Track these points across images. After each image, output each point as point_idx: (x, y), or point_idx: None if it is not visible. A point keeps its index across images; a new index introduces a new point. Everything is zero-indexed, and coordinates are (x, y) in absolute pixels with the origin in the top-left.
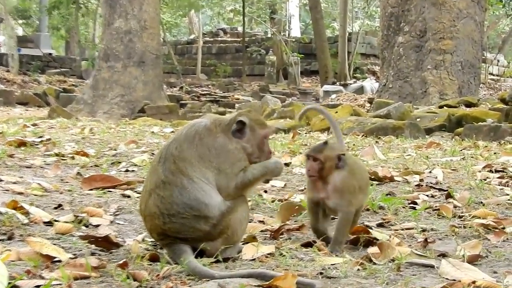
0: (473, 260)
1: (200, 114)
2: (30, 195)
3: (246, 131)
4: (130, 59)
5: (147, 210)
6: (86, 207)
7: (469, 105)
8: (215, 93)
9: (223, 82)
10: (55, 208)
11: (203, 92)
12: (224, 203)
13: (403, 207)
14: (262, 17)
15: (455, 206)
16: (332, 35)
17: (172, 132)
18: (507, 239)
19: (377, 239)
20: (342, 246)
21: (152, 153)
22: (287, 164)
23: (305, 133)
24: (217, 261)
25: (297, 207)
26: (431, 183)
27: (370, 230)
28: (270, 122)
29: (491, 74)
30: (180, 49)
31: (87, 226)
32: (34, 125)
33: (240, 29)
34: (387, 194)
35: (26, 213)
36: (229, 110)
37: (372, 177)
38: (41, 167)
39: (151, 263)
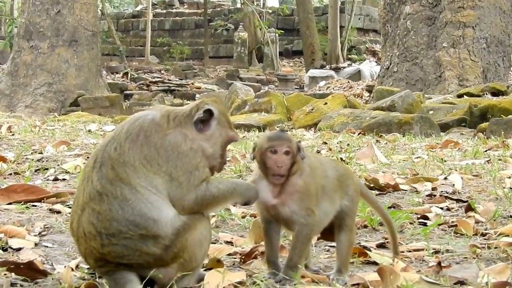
0: None
1: (150, 107)
2: None
3: (212, 124)
4: (59, 37)
5: (81, 230)
6: (3, 226)
7: (496, 93)
8: (169, 80)
9: (180, 67)
10: None
11: (153, 80)
12: (178, 218)
13: (411, 223)
14: None
15: (477, 222)
16: (320, 5)
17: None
18: None
19: (377, 263)
20: (298, 270)
21: (88, 157)
22: None
23: (286, 130)
24: None
25: None
26: (447, 193)
27: (368, 252)
28: (240, 117)
29: None
30: (123, 24)
31: (5, 250)
32: None
33: None
34: (390, 207)
35: None
36: (187, 102)
37: (371, 185)
38: None
39: None
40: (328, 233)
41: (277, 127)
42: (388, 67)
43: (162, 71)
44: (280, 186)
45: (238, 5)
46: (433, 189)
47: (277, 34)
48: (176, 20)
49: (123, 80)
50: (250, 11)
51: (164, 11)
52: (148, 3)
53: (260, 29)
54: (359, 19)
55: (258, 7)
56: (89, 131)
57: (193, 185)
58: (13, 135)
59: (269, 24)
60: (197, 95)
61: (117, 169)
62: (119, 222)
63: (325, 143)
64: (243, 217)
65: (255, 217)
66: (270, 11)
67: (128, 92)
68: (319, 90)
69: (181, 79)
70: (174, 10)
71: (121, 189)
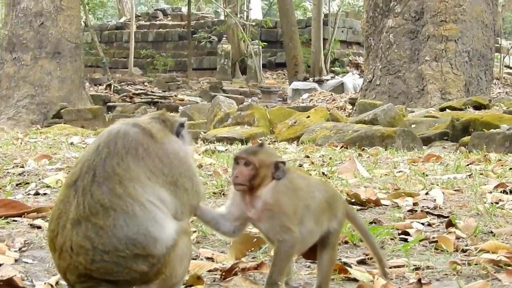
0: None
1: None
2: None
3: (185, 134)
4: (42, 49)
5: (67, 244)
6: None
7: (478, 107)
8: (152, 92)
9: (163, 79)
10: None
11: (137, 92)
12: (172, 236)
13: (392, 239)
14: None
15: (457, 237)
16: (304, 17)
17: None
18: None
19: (357, 280)
20: (278, 287)
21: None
22: None
23: (268, 143)
24: None
25: (255, 239)
26: (428, 208)
27: (349, 269)
28: (223, 129)
29: (508, 66)
30: (107, 36)
31: None
32: None
33: (184, 10)
34: (371, 223)
35: None
36: (172, 114)
37: (352, 200)
38: None
39: None
40: (309, 252)
41: (260, 140)
42: (371, 80)
43: (145, 83)
44: (250, 198)
45: (222, 17)
46: (415, 204)
47: (260, 47)
48: (160, 32)
49: (106, 92)
50: (233, 23)
51: (148, 23)
52: (131, 15)
53: (244, 41)
54: (342, 31)
55: (241, 20)
56: (71, 144)
57: (196, 190)
58: None
59: (252, 36)
60: (180, 107)
61: (126, 185)
62: (119, 239)
63: (308, 156)
64: None
65: None
66: (254, 23)
67: (111, 104)
68: (302, 103)
69: (164, 91)
70: (157, 22)
71: (132, 205)
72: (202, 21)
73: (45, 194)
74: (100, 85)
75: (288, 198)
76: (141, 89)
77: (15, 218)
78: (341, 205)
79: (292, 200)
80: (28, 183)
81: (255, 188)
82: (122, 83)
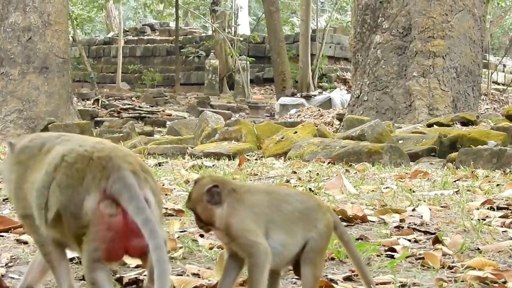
0: None
1: (121, 134)
2: None
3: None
4: (30, 64)
5: None
6: None
7: (466, 123)
8: (140, 107)
9: (151, 94)
10: None
11: (124, 106)
12: None
13: (378, 255)
14: (200, 10)
15: (444, 254)
16: (292, 33)
17: None
18: None
19: None
20: None
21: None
22: None
23: (256, 159)
24: None
25: None
26: (415, 224)
27: (335, 285)
28: (210, 145)
29: (495, 82)
30: (94, 51)
31: None
32: None
33: (172, 25)
34: (357, 239)
35: None
36: (158, 129)
37: (339, 216)
38: None
39: None
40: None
41: (247, 155)
42: (359, 95)
43: (133, 98)
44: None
45: (210, 32)
46: (401, 220)
47: (248, 62)
48: (148, 47)
49: (94, 107)
50: (221, 39)
51: (136, 38)
52: (119, 30)
53: (231, 56)
54: (330, 47)
55: (229, 35)
56: None
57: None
58: None
59: (240, 51)
60: (168, 122)
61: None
62: None
63: (295, 172)
64: (211, 248)
65: (222, 248)
66: (242, 38)
67: (98, 119)
68: (290, 118)
69: (152, 106)
70: (145, 37)
71: None
72: (190, 36)
73: None
74: (87, 100)
75: (241, 217)
76: (128, 104)
77: (2, 234)
78: (323, 216)
79: (248, 217)
80: None
81: (213, 222)
82: (110, 98)
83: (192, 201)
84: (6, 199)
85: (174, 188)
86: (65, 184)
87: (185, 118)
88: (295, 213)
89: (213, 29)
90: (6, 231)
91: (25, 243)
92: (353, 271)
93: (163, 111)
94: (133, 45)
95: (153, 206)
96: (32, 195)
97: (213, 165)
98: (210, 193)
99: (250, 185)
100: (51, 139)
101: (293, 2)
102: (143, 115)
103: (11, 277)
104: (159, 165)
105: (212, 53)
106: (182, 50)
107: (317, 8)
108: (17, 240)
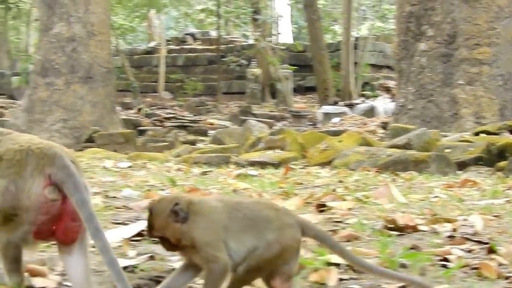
0: None
1: (165, 143)
2: None
3: None
4: (74, 74)
5: None
6: (27, 265)
7: None
8: (182, 116)
9: (193, 103)
10: None
11: (167, 116)
12: None
13: (432, 265)
14: (242, 19)
15: (500, 264)
16: (333, 41)
17: (130, 167)
18: None
19: None
20: None
21: (107, 195)
22: None
23: (301, 168)
24: None
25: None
26: (468, 234)
27: None
28: (255, 154)
29: None
30: (137, 61)
31: None
32: None
33: (213, 34)
34: (410, 248)
35: None
36: (201, 138)
37: (390, 225)
38: None
39: None
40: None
41: (288, 164)
42: (403, 104)
43: (175, 107)
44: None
45: (251, 41)
46: (454, 230)
47: (290, 71)
48: (189, 56)
49: (137, 116)
50: (263, 48)
51: (178, 47)
52: (161, 40)
53: (273, 65)
54: (372, 55)
55: (271, 43)
56: (105, 168)
57: None
58: None
59: (282, 60)
60: (210, 131)
61: None
62: None
63: (341, 181)
64: None
65: None
66: (283, 47)
67: (141, 128)
68: (333, 127)
69: (194, 115)
70: (187, 46)
71: None
72: (232, 45)
73: None
74: (130, 109)
75: (203, 228)
76: (171, 113)
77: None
78: (276, 227)
79: (209, 227)
80: None
81: (180, 243)
82: (152, 107)
83: (158, 228)
84: None
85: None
86: (7, 173)
87: (227, 127)
88: (245, 219)
89: (255, 38)
90: None
91: None
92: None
93: (206, 120)
94: (175, 54)
95: (90, 195)
96: None
97: (259, 174)
98: (175, 213)
99: (202, 197)
100: None
101: (334, 11)
102: (186, 124)
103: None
104: (204, 174)
105: (253, 62)
106: (223, 59)
107: (359, 16)
108: None
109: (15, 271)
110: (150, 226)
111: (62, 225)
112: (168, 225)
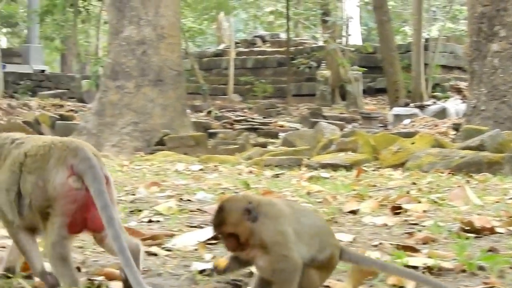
0: None
1: (236, 146)
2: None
3: None
4: (145, 77)
5: None
6: (103, 269)
7: None
8: (252, 119)
9: (263, 105)
10: None
11: (237, 118)
12: None
13: (511, 268)
14: (311, 21)
15: None
16: (404, 42)
17: (201, 170)
18: None
19: None
20: None
21: (181, 199)
22: (354, 212)
23: (373, 170)
24: None
25: None
26: None
27: None
28: (326, 156)
29: None
30: (206, 63)
31: None
32: None
33: (282, 36)
34: (488, 251)
35: (28, 277)
36: (271, 140)
37: (467, 228)
38: None
39: None
40: None
41: (363, 166)
42: (475, 105)
43: (245, 110)
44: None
45: (320, 43)
46: None
47: (360, 72)
48: (259, 58)
49: (207, 119)
50: (332, 49)
51: (247, 49)
52: (231, 42)
53: (343, 67)
54: (443, 56)
55: (340, 45)
56: (177, 171)
57: None
58: None
59: (352, 62)
60: (281, 134)
61: None
62: None
63: (414, 183)
64: None
65: None
66: (353, 49)
67: (212, 130)
68: (404, 129)
69: (264, 117)
70: (256, 49)
71: None
72: (301, 47)
73: (158, 221)
74: (200, 112)
75: (273, 229)
76: (241, 116)
77: None
78: (332, 244)
79: (279, 228)
80: (140, 211)
81: (247, 242)
82: (222, 110)
83: (230, 225)
84: (132, 211)
85: (297, 200)
86: (33, 168)
87: (297, 129)
88: (313, 227)
89: (324, 40)
90: None
91: (155, 254)
92: (486, 283)
93: (276, 122)
94: (244, 56)
95: (112, 185)
96: (1, 195)
97: (331, 176)
98: (248, 212)
99: (270, 198)
100: (5, 146)
101: (404, 12)
102: (256, 126)
103: None
104: (276, 177)
105: (323, 64)
106: (293, 61)
107: (429, 17)
108: (146, 252)
109: (67, 274)
110: (221, 223)
111: (90, 214)
112: (241, 222)
